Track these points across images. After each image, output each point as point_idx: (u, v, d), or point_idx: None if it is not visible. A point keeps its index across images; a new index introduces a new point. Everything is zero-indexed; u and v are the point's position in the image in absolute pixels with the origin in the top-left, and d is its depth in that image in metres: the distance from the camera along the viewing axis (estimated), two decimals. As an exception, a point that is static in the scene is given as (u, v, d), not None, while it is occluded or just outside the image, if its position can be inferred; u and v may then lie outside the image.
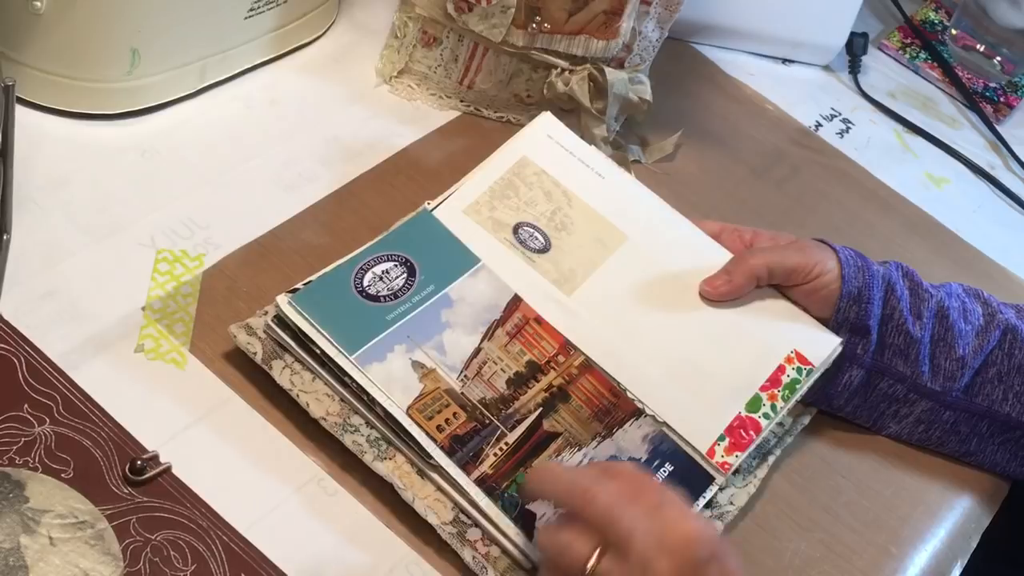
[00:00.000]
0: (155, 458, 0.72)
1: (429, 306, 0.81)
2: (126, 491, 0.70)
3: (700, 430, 0.81)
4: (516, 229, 0.87)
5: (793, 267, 0.86)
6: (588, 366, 0.82)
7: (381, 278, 0.81)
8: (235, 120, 0.96)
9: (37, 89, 0.89)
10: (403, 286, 0.81)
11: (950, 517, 0.90)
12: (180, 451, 0.74)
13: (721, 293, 0.86)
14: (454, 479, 0.75)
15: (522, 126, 1.02)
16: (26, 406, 0.72)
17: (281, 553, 0.72)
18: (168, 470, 0.72)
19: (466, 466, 0.75)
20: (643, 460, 0.79)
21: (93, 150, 0.90)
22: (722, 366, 0.84)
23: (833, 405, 0.89)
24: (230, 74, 0.97)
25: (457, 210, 0.87)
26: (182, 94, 0.95)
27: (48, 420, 0.72)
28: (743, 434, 0.81)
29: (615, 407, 0.81)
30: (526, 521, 0.74)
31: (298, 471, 0.76)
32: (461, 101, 1.03)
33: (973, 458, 0.91)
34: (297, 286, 0.79)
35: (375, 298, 0.80)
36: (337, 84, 1.02)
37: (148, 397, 0.77)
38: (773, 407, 0.83)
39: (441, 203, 0.87)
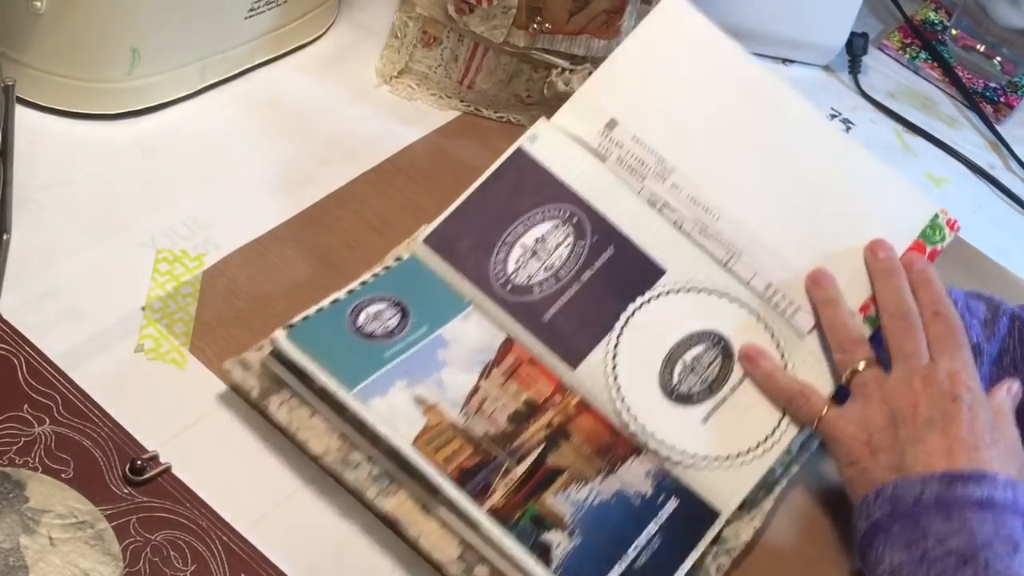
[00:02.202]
0: (155, 458, 0.72)
1: (424, 346, 0.79)
2: (126, 491, 0.70)
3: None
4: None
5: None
6: (585, 405, 0.80)
7: (375, 318, 0.80)
8: (235, 120, 0.96)
9: (37, 89, 0.89)
10: (397, 326, 0.80)
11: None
12: (180, 451, 0.74)
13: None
14: (465, 510, 0.73)
15: (522, 126, 1.03)
16: (26, 406, 0.72)
17: (281, 553, 0.72)
18: (168, 470, 0.72)
19: (476, 497, 0.73)
20: (648, 496, 0.78)
21: (93, 150, 0.90)
22: None
23: None
24: (230, 74, 0.97)
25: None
26: (182, 94, 0.95)
27: (48, 420, 0.72)
28: None
29: (614, 445, 0.79)
30: (542, 552, 0.73)
31: (298, 471, 0.76)
32: (461, 101, 1.03)
33: None
34: (293, 321, 0.77)
35: (371, 336, 0.79)
36: (337, 84, 1.02)
37: (148, 397, 0.77)
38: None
39: (437, 226, 0.85)
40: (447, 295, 0.83)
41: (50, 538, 0.66)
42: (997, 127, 1.25)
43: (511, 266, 0.84)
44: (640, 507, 0.77)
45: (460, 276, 0.83)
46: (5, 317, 0.77)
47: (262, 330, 0.79)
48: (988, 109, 1.27)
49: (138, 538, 0.69)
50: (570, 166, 0.87)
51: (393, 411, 0.75)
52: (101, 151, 0.90)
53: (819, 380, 0.83)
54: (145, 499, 0.70)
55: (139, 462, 0.71)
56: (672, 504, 0.78)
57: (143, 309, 0.81)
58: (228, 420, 0.77)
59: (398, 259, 0.84)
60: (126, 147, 0.91)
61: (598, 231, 0.86)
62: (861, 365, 0.81)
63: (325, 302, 0.80)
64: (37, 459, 0.70)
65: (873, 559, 0.75)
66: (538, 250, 0.85)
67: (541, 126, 0.88)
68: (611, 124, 0.88)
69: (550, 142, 0.88)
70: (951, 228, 0.88)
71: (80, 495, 0.69)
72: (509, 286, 0.83)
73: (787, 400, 0.82)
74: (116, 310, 0.81)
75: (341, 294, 0.81)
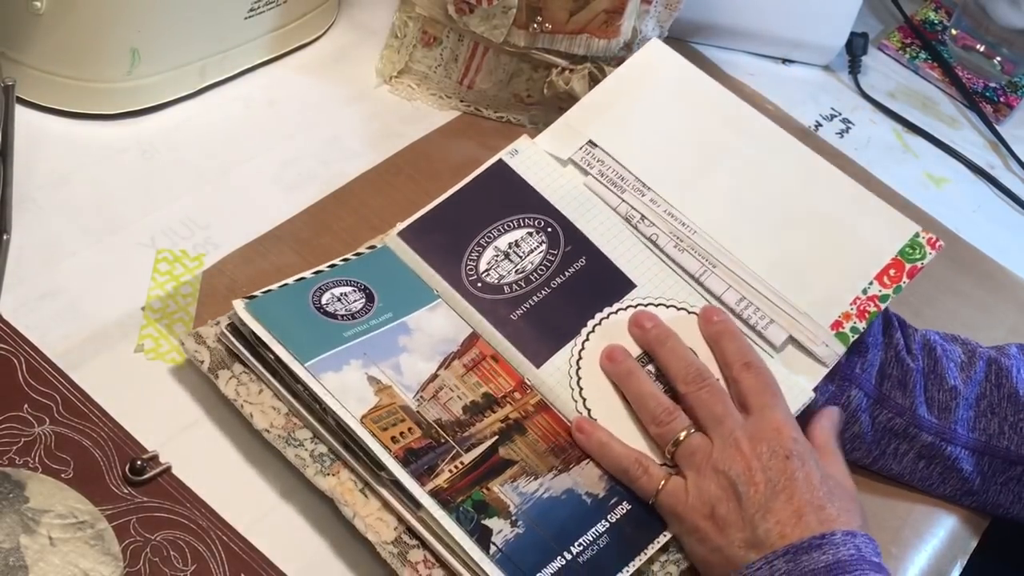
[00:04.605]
0: (155, 458, 0.72)
1: (386, 330, 0.80)
2: (126, 491, 0.70)
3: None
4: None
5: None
6: (545, 406, 0.80)
7: (339, 299, 0.80)
8: (235, 120, 0.96)
9: (37, 89, 0.89)
10: (361, 309, 0.80)
11: (950, 517, 0.89)
12: (180, 451, 0.74)
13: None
14: (407, 491, 0.72)
15: (522, 126, 1.03)
16: (26, 406, 0.72)
17: (281, 553, 0.72)
18: (168, 470, 0.72)
19: (420, 478, 0.73)
20: (600, 496, 0.77)
21: (93, 150, 0.90)
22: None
23: None
24: (230, 74, 0.97)
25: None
26: (182, 94, 0.95)
27: (48, 420, 0.72)
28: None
29: (571, 446, 0.78)
30: (481, 536, 0.72)
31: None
32: (461, 101, 1.03)
33: (975, 498, 0.88)
34: (255, 293, 0.78)
35: (332, 315, 0.79)
36: (337, 84, 1.02)
37: (148, 397, 0.77)
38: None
39: (412, 221, 0.86)
40: (416, 286, 0.83)
41: (50, 538, 0.66)
42: (997, 127, 1.25)
43: (483, 265, 0.84)
44: (591, 506, 0.76)
45: (431, 270, 0.84)
46: (5, 317, 0.77)
47: (262, 330, 0.79)
48: (988, 109, 1.27)
49: (138, 538, 0.69)
50: (548, 181, 0.88)
51: (345, 387, 0.75)
52: (101, 151, 0.90)
53: (789, 395, 0.80)
54: (145, 499, 0.70)
55: (139, 462, 0.71)
56: (624, 507, 0.77)
57: (143, 309, 0.81)
58: (228, 420, 0.77)
59: (371, 247, 0.85)
60: (126, 147, 0.91)
61: (571, 242, 0.86)
62: (682, 435, 0.77)
63: (290, 279, 0.80)
64: (37, 459, 0.70)
65: None
66: (511, 253, 0.85)
67: (523, 142, 0.90)
68: (592, 144, 0.90)
69: (530, 157, 0.89)
70: (932, 247, 0.87)
71: (80, 495, 0.69)
72: (479, 283, 0.83)
73: (623, 471, 0.77)
74: (116, 310, 0.81)
75: (307, 273, 0.81)
